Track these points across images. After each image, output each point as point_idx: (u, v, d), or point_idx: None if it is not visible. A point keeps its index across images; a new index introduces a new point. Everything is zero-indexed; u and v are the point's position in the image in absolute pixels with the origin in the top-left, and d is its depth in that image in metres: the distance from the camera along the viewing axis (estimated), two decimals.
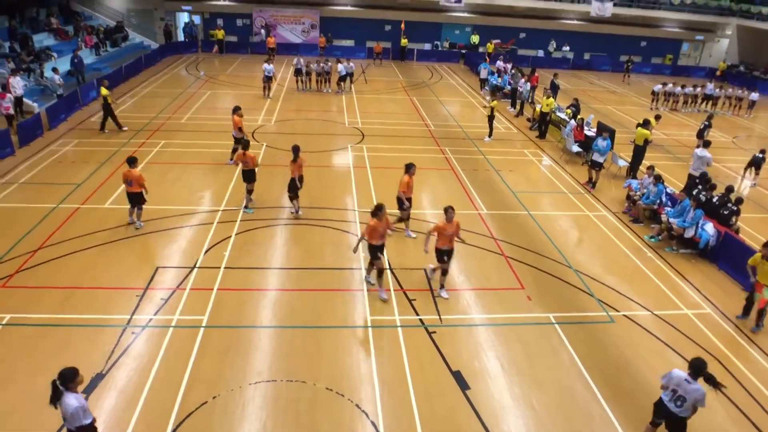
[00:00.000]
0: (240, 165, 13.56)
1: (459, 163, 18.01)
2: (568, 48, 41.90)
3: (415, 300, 10.27)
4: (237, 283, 10.60)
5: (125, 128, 19.42)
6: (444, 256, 10.23)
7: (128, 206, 12.48)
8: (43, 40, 27.59)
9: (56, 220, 12.65)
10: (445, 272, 10.42)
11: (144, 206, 12.40)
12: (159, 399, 7.67)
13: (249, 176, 13.35)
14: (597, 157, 16.29)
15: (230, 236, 12.28)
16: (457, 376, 8.44)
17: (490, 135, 20.78)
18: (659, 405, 6.99)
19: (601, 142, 16.25)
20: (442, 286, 10.48)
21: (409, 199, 12.32)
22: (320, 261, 11.56)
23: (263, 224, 12.96)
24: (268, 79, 25.41)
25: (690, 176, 16.01)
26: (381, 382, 8.23)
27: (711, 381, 6.69)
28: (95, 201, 13.70)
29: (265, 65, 25.35)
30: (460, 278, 11.16)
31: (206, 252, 11.59)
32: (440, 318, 9.78)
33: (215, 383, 8.02)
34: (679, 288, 11.50)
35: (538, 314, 10.18)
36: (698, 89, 29.06)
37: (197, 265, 11.07)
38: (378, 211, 9.75)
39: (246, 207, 13.55)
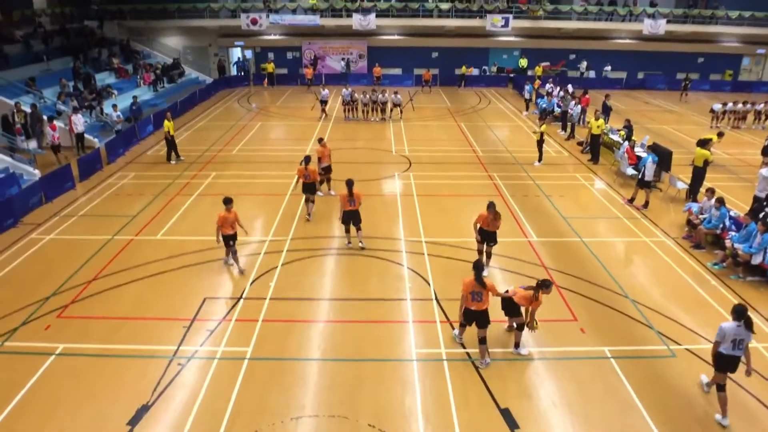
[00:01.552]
0: (301, 179, 14.69)
1: (508, 189, 17.64)
2: (609, 68, 40.41)
3: None
4: (281, 314, 10.58)
5: (174, 162, 20.10)
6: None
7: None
8: (104, 78, 29.12)
9: (111, 251, 13.05)
10: (520, 327, 9.40)
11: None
12: None
13: (310, 188, 14.67)
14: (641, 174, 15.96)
15: (276, 266, 12.34)
16: (506, 414, 8.06)
17: (539, 159, 20.34)
18: (722, 358, 7.79)
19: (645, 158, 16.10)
20: (518, 345, 9.46)
21: (490, 233, 11.59)
22: (365, 292, 11.42)
23: (309, 254, 12.97)
24: (323, 103, 28.01)
25: (756, 198, 15.09)
26: (425, 419, 7.94)
27: (749, 324, 7.67)
28: (148, 232, 14.09)
29: (322, 90, 28.29)
30: None
31: (252, 283, 11.66)
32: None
33: (257, 417, 7.94)
34: None
35: (593, 348, 9.67)
36: (761, 105, 27.71)
37: (243, 296, 11.14)
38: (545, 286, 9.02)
39: (308, 214, 14.82)
